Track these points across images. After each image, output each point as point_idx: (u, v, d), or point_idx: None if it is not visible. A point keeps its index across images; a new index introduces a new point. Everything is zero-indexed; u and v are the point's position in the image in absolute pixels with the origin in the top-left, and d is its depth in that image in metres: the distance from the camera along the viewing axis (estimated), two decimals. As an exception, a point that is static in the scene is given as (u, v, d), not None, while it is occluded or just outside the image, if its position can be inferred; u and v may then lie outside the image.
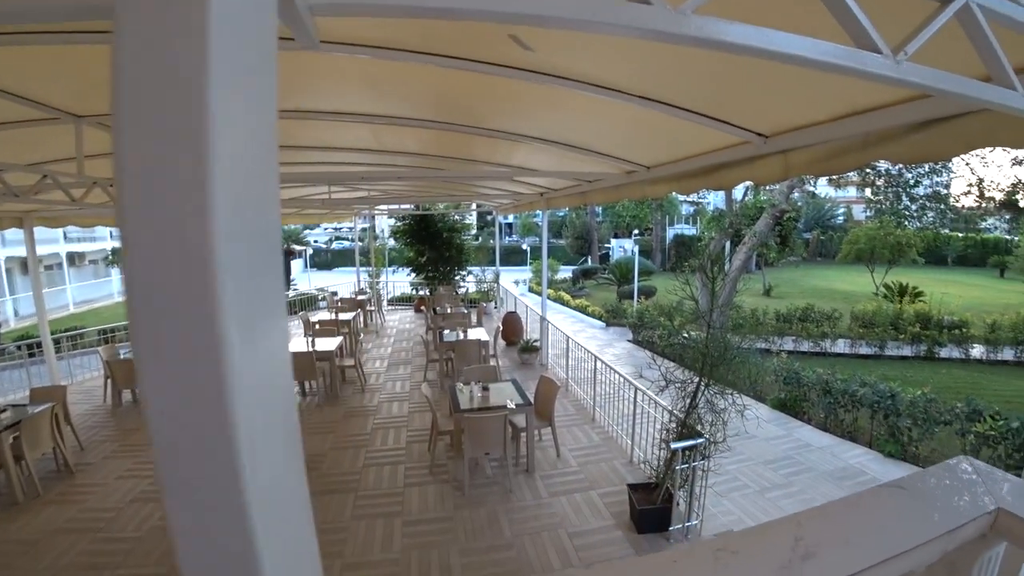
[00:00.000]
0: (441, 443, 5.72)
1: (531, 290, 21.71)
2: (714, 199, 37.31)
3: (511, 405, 5.14)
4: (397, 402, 7.47)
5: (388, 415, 7.00)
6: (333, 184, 8.37)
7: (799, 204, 24.42)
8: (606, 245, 37.58)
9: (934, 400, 6.57)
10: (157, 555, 4.19)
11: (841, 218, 41.26)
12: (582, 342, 12.81)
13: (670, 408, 4.25)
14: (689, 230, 38.37)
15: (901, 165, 14.20)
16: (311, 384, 8.08)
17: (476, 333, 8.47)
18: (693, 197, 36.03)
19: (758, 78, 2.21)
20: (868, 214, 23.07)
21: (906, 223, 17.30)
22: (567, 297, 18.89)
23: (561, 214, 42.85)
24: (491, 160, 6.20)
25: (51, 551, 4.32)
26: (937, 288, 20.51)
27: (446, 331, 8.76)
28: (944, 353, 12.95)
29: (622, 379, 5.84)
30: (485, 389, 5.49)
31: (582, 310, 17.00)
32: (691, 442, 3.60)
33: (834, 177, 16.53)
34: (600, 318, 15.88)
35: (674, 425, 3.98)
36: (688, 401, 3.78)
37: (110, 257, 22.33)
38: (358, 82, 3.34)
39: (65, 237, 23.65)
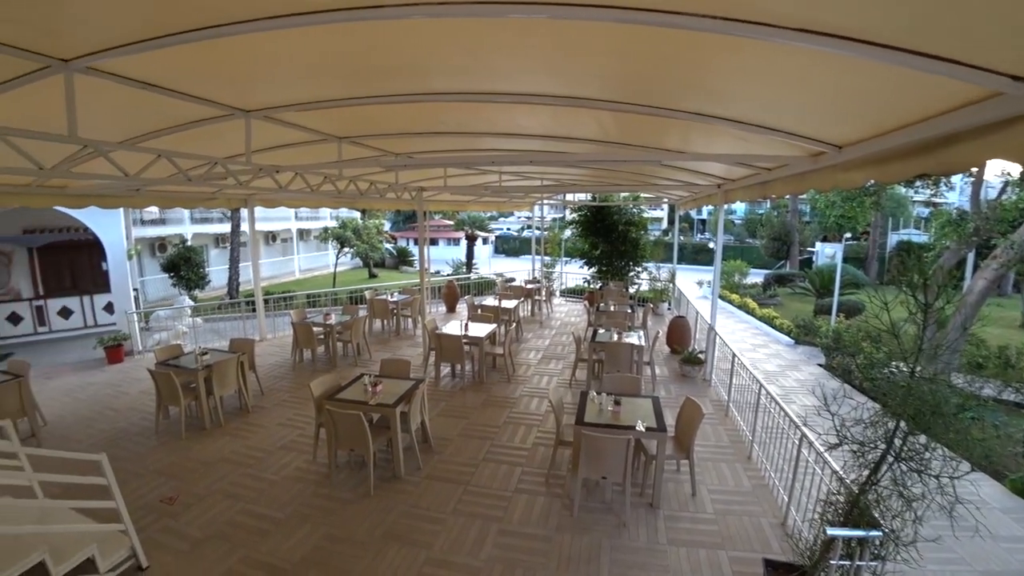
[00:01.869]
0: (567, 452, 5.29)
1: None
2: (957, 197, 29.50)
3: (640, 427, 4.47)
4: (537, 398, 7.19)
5: (524, 410, 6.78)
6: (501, 165, 8.31)
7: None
8: (810, 249, 32.34)
9: None
10: (282, 501, 4.64)
11: None
12: (762, 359, 11.23)
13: (841, 473, 3.14)
14: (920, 236, 30.82)
15: None
16: (460, 367, 8.31)
17: (633, 336, 7.78)
18: (926, 195, 28.80)
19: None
20: None
21: None
22: (752, 305, 16.54)
23: (760, 211, 38.25)
24: (660, 146, 5.50)
25: (212, 475, 5.16)
26: None
27: (600, 330, 8.23)
28: None
29: (786, 417, 4.65)
30: (617, 403, 4.86)
31: (768, 321, 14.68)
32: (858, 533, 2.51)
33: None
34: (789, 333, 13.56)
35: (842, 499, 2.89)
36: (867, 473, 2.69)
37: (323, 234, 26.65)
38: (533, 53, 3.02)
39: (296, 216, 28.90)
